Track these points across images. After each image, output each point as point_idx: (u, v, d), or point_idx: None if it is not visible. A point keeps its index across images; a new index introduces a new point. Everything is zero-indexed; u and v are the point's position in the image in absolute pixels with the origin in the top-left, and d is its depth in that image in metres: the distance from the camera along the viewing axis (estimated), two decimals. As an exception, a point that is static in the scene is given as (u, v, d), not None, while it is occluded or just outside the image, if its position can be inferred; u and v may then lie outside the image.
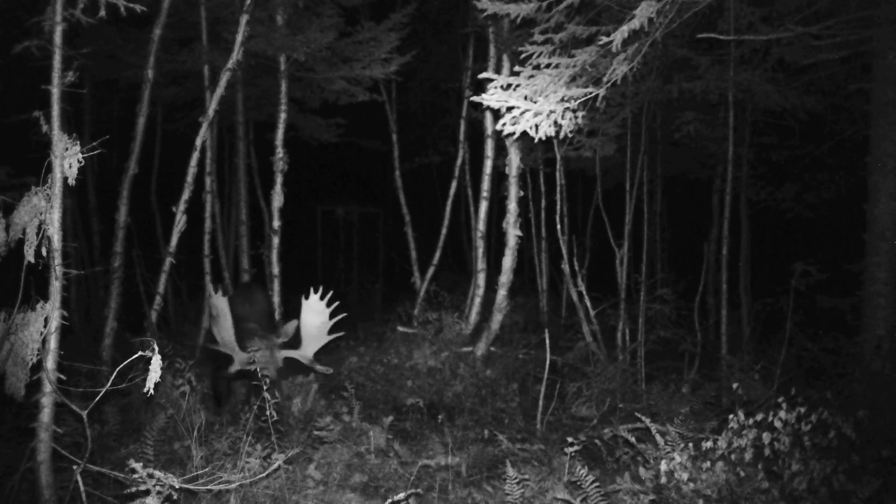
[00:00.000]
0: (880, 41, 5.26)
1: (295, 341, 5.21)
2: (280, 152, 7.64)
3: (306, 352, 5.10)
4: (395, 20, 8.02)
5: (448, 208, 9.97)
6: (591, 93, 4.47)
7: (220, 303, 4.78)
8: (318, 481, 4.54)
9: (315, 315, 5.09)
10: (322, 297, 5.12)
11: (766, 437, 3.58)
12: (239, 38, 6.68)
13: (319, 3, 7.88)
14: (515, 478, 3.75)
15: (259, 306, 5.63)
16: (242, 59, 6.82)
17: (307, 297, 5.11)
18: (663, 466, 3.68)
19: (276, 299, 7.75)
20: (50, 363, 3.42)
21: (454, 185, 10.05)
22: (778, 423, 3.59)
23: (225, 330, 4.79)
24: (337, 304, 5.18)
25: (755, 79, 6.79)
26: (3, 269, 3.51)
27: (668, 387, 5.99)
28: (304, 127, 10.34)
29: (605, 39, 3.92)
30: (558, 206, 7.89)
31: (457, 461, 4.85)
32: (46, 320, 3.42)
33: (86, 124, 9.72)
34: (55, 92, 3.50)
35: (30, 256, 3.43)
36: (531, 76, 4.49)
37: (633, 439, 4.32)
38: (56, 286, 3.45)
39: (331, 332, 5.18)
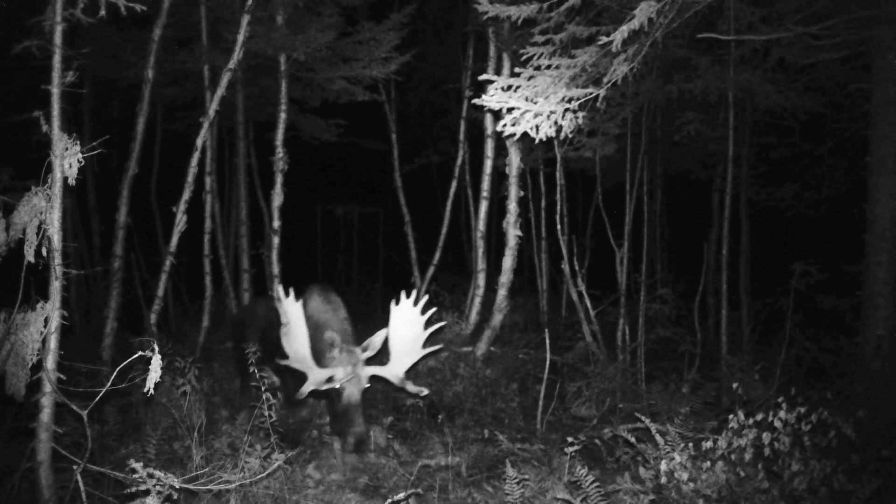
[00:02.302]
0: (880, 41, 5.26)
1: (382, 356, 4.39)
2: (280, 152, 7.64)
3: (396, 369, 4.27)
4: (395, 20, 8.02)
5: (448, 208, 9.97)
6: (591, 93, 4.47)
7: (293, 309, 4.05)
8: (317, 481, 4.54)
9: (407, 325, 4.29)
10: (416, 303, 4.35)
11: (766, 437, 3.57)
12: (240, 38, 6.68)
13: (319, 2, 7.88)
14: (515, 478, 3.75)
15: (339, 311, 4.76)
16: (243, 59, 6.83)
17: (398, 303, 4.34)
18: (663, 466, 3.68)
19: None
20: (50, 363, 3.42)
21: (454, 185, 10.05)
22: (778, 423, 3.59)
23: (298, 342, 4.02)
24: (434, 310, 4.41)
25: (755, 79, 6.78)
26: (3, 269, 3.51)
27: (668, 387, 5.99)
28: (305, 127, 10.35)
29: (605, 39, 3.92)
30: (558, 206, 7.89)
31: (457, 461, 4.85)
32: (46, 320, 3.42)
33: (86, 124, 9.73)
34: (55, 92, 3.50)
35: (30, 256, 3.43)
36: (531, 77, 4.49)
37: (633, 439, 4.32)
38: (56, 286, 3.45)
39: (426, 345, 4.35)
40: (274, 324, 4.49)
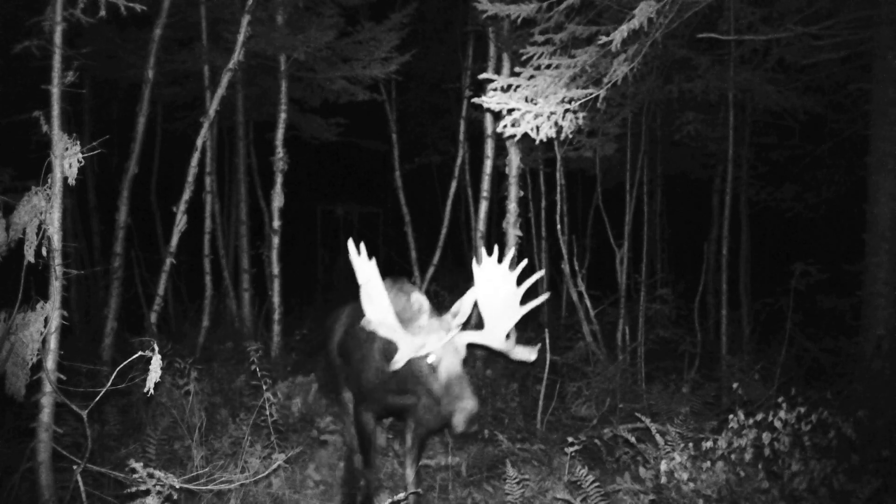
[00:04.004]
0: (880, 41, 5.25)
1: (475, 323, 3.66)
2: (280, 152, 7.64)
3: (495, 333, 3.60)
4: (395, 20, 8.02)
5: (448, 208, 9.97)
6: (591, 93, 4.47)
7: (367, 267, 3.43)
8: (318, 481, 4.54)
9: (497, 284, 3.63)
10: (500, 260, 3.65)
11: (766, 437, 3.57)
12: (240, 38, 6.68)
13: (319, 2, 7.89)
14: (515, 478, 3.75)
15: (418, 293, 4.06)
16: (243, 59, 6.83)
17: (479, 263, 3.70)
18: (663, 466, 3.68)
19: (276, 299, 7.75)
20: (50, 363, 3.41)
21: (454, 185, 10.05)
22: (778, 423, 3.59)
23: (380, 305, 3.42)
24: (524, 263, 3.77)
25: (755, 79, 6.79)
26: (3, 269, 3.51)
27: (668, 387, 5.99)
28: (305, 127, 10.36)
29: (605, 39, 3.92)
30: (558, 206, 7.89)
31: (457, 461, 4.85)
32: (46, 320, 3.42)
33: (86, 124, 9.74)
34: (55, 92, 3.50)
35: (30, 256, 3.42)
36: (531, 77, 4.49)
37: (633, 439, 4.32)
38: (56, 286, 3.45)
39: (524, 301, 3.65)
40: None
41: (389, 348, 3.55)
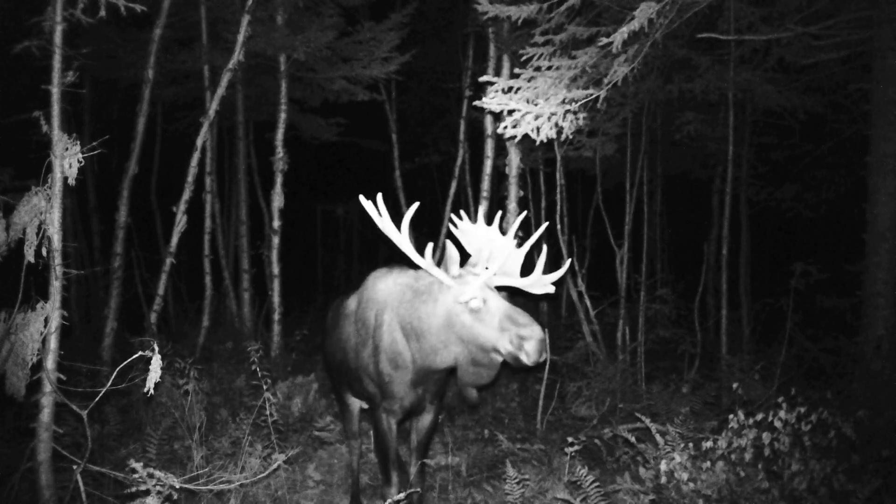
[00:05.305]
0: (880, 41, 5.25)
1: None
2: (280, 152, 7.64)
3: (510, 274, 3.59)
4: (395, 20, 8.03)
5: (448, 208, 9.97)
6: (591, 94, 4.47)
7: (391, 227, 3.51)
8: (318, 481, 4.54)
9: (484, 240, 3.69)
10: (475, 220, 3.73)
11: (766, 437, 3.57)
12: (240, 38, 6.69)
13: (320, 2, 7.89)
14: (515, 478, 3.75)
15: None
16: (243, 59, 6.83)
17: (456, 225, 3.74)
18: (663, 466, 3.68)
19: (276, 299, 7.75)
20: (50, 363, 3.42)
21: (454, 185, 10.05)
22: (778, 423, 3.59)
23: (414, 253, 3.46)
24: (500, 214, 3.87)
25: (755, 79, 6.79)
26: (3, 269, 3.51)
27: (668, 387, 5.99)
28: (305, 126, 10.36)
29: (605, 40, 3.92)
30: (558, 206, 7.88)
31: (457, 461, 4.85)
32: (46, 320, 3.41)
33: (86, 124, 9.74)
34: (55, 92, 3.50)
35: (30, 256, 3.42)
36: (531, 78, 4.49)
37: (633, 439, 4.32)
38: (56, 286, 3.45)
39: (520, 242, 3.69)
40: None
41: (412, 316, 3.47)
